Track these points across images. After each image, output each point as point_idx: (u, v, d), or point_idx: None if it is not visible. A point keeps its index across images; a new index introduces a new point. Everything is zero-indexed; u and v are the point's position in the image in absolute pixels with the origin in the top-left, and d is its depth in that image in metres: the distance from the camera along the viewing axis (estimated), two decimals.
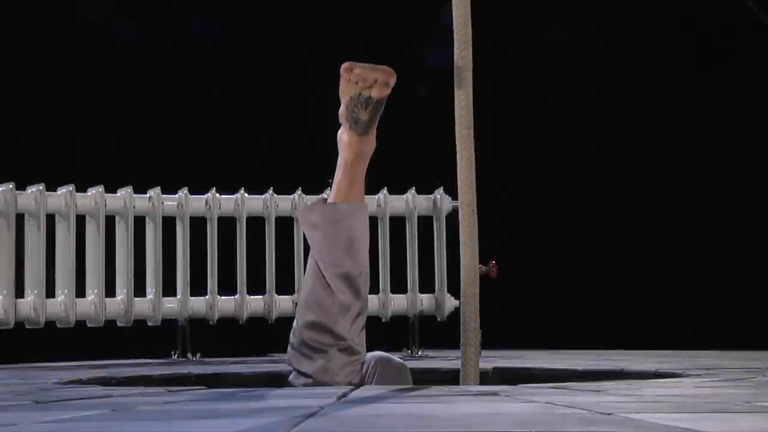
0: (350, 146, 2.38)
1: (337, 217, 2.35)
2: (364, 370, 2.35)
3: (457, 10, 2.29)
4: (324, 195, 2.50)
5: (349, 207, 2.37)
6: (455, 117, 2.31)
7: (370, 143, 2.39)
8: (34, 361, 4.06)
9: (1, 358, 4.02)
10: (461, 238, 2.29)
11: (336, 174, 2.42)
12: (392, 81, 2.33)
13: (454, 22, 2.29)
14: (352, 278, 2.32)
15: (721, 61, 5.75)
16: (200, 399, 1.81)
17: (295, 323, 2.36)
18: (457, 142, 2.30)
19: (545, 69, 5.81)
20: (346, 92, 2.38)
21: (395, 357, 2.45)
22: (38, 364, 3.94)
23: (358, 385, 2.26)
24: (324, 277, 2.31)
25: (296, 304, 4.41)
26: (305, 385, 2.29)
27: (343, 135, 2.41)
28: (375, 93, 2.33)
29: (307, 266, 2.39)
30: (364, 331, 2.38)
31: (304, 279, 2.40)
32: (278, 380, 3.23)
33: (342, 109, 2.40)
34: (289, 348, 2.35)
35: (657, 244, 5.75)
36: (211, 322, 4.36)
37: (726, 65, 5.74)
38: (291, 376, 2.36)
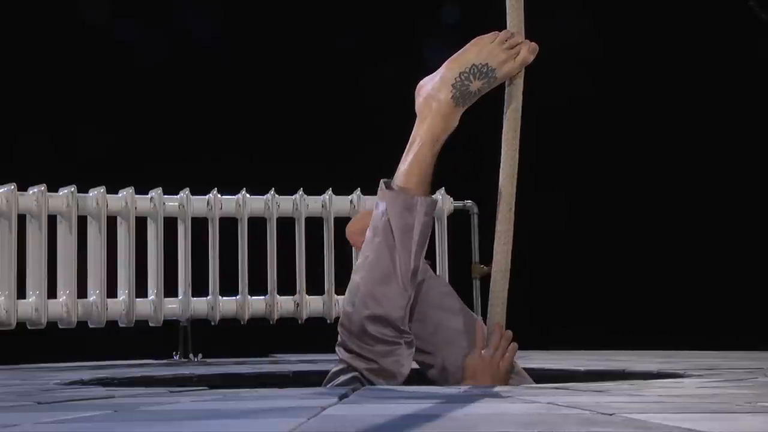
0: (443, 116, 2.27)
1: (427, 210, 2.28)
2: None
3: (511, 15, 2.29)
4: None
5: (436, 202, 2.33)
6: (504, 120, 2.27)
7: (458, 120, 2.29)
8: (36, 361, 4.07)
9: (2, 358, 4.02)
10: (496, 239, 2.30)
11: (413, 147, 2.30)
12: (526, 60, 2.27)
13: (509, 25, 2.28)
14: (416, 272, 2.28)
15: (722, 60, 5.74)
16: (202, 399, 1.81)
17: (349, 308, 2.26)
18: (503, 144, 2.29)
19: (543, 68, 5.80)
20: (470, 60, 2.27)
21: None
22: (40, 365, 3.94)
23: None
24: (400, 270, 2.23)
25: (297, 304, 4.44)
26: (368, 369, 2.24)
27: (436, 104, 2.28)
28: (507, 68, 2.26)
29: (373, 256, 2.26)
30: None
31: (370, 268, 2.25)
32: (280, 381, 3.23)
33: (447, 75, 2.28)
34: (341, 332, 2.27)
35: (659, 244, 5.75)
36: (212, 323, 4.36)
37: (726, 64, 5.73)
38: (347, 357, 2.26)
